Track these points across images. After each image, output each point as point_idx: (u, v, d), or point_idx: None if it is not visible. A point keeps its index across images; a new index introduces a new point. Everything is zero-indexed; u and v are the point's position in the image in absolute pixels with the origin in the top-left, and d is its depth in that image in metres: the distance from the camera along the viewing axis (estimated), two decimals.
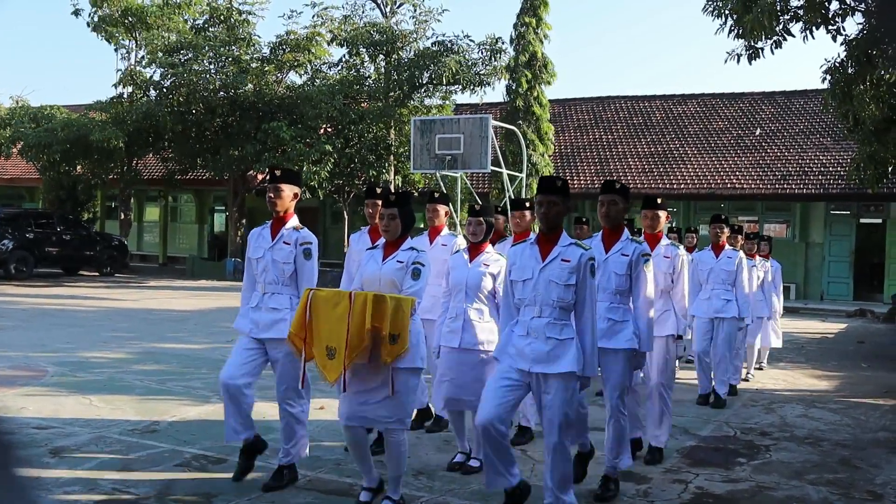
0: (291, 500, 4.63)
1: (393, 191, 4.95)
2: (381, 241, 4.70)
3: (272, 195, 4.90)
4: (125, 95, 24.48)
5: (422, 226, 18.94)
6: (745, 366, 9.27)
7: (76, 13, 24.66)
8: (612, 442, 4.90)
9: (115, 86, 24.40)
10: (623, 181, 22.67)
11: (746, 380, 9.24)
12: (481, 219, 5.38)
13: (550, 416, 4.10)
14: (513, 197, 12.36)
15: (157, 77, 23.61)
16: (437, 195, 6.38)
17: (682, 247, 5.96)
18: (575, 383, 4.14)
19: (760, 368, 10.17)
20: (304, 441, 4.96)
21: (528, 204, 5.93)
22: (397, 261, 4.50)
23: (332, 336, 4.11)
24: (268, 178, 5.00)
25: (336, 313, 4.10)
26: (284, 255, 4.84)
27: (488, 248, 5.41)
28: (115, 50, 25.19)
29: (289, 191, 4.92)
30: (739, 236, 9.06)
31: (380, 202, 5.79)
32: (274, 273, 4.84)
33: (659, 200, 5.87)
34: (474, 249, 5.38)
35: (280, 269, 4.83)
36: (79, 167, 24.51)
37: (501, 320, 4.46)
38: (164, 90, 23.14)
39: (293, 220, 4.96)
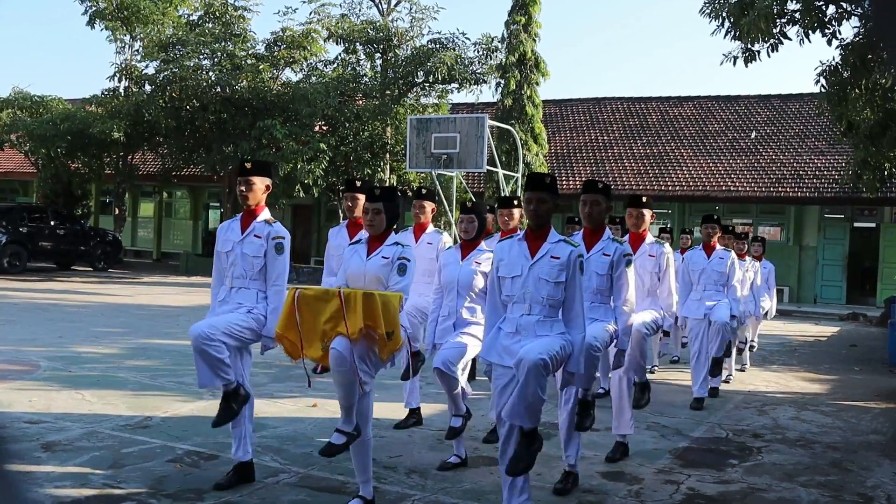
0: (283, 497, 4.61)
1: (378, 186, 4.88)
2: (364, 235, 4.60)
3: (243, 188, 4.78)
4: (121, 90, 24.39)
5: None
6: (725, 367, 9.18)
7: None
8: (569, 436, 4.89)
9: (110, 79, 24.36)
10: (618, 182, 22.82)
11: (727, 381, 9.04)
12: (473, 216, 5.34)
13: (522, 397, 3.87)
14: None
15: (151, 71, 23.52)
16: (424, 191, 6.25)
17: (666, 244, 5.95)
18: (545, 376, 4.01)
19: (742, 370, 10.03)
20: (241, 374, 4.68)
21: (516, 202, 5.90)
22: (382, 256, 4.41)
23: (330, 331, 4.07)
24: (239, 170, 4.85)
25: (329, 309, 4.06)
26: (255, 248, 4.73)
27: (481, 245, 5.34)
28: (111, 43, 25.05)
29: (260, 183, 4.81)
30: (736, 240, 9.05)
31: (359, 195, 5.72)
32: (242, 267, 4.74)
33: (644, 199, 5.85)
34: (466, 247, 5.31)
35: (249, 262, 4.73)
36: (76, 162, 24.37)
37: (487, 317, 4.37)
38: (158, 85, 23.02)
39: (264, 214, 4.86)
